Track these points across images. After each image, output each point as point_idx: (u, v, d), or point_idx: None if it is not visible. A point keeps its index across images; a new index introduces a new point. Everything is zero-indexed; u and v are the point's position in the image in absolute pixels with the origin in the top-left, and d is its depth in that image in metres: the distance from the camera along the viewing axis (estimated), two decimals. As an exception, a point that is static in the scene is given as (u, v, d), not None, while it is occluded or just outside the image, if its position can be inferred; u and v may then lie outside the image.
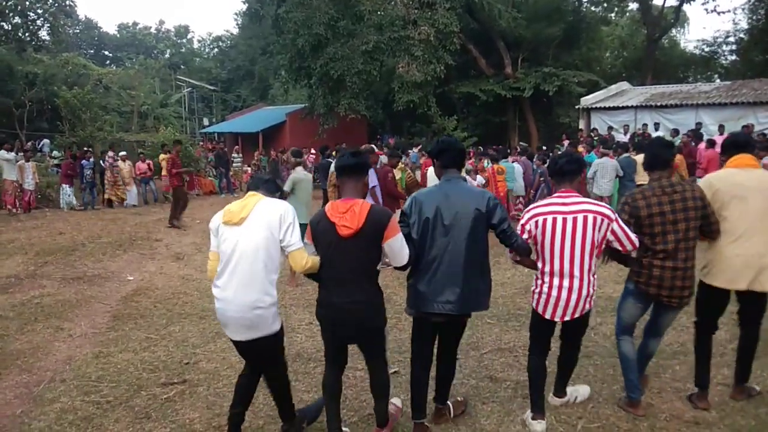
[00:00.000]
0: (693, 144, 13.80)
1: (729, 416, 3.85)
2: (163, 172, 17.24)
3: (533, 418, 3.73)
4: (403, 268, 3.40)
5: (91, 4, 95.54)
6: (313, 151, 21.20)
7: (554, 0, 25.74)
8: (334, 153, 13.03)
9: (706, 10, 28.75)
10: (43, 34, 33.19)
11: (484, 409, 4.04)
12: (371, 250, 3.23)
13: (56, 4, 33.13)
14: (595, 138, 16.57)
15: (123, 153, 17.26)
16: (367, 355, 3.50)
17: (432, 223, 3.37)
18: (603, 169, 11.17)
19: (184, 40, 64.54)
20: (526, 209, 3.68)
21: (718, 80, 27.74)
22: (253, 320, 3.20)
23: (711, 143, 12.88)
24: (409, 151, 16.36)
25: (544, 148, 18.41)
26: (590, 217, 3.44)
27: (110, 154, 16.78)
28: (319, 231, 3.30)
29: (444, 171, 3.55)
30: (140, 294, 7.22)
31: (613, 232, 3.50)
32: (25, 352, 5.27)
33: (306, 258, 3.25)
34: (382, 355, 3.49)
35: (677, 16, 30.37)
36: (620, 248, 3.60)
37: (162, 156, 17.26)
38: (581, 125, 20.46)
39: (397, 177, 9.10)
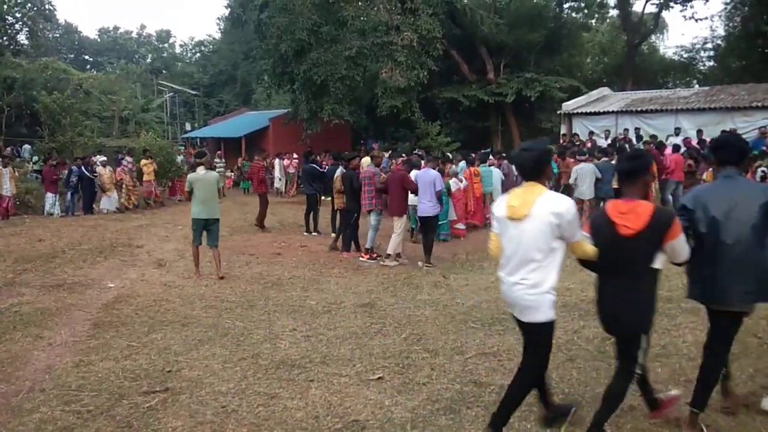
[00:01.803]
0: (654, 149, 14.25)
1: (709, 417, 3.90)
2: (145, 178, 17.16)
3: None
4: (679, 264, 3.53)
5: (71, 8, 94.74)
6: (295, 156, 21.17)
7: (535, 6, 25.99)
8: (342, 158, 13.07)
9: (684, 17, 29.11)
10: (22, 38, 32.79)
11: (469, 413, 4.05)
12: (650, 250, 3.32)
13: (35, 8, 32.74)
14: (557, 148, 16.85)
15: (103, 158, 17.10)
16: (620, 356, 3.54)
17: (720, 218, 3.50)
18: (582, 175, 11.45)
19: (166, 45, 64.15)
20: None
21: (696, 86, 28.13)
22: (531, 303, 3.35)
23: (676, 148, 13.87)
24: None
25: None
26: None
27: (128, 159, 16.73)
28: (598, 228, 3.45)
29: (722, 168, 3.70)
30: (121, 301, 7.14)
31: None
32: (3, 361, 5.17)
33: (588, 246, 3.41)
34: (632, 361, 3.42)
35: (656, 23, 30.81)
36: None
37: (143, 161, 17.13)
38: (563, 130, 20.62)
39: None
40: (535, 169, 3.42)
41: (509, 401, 3.53)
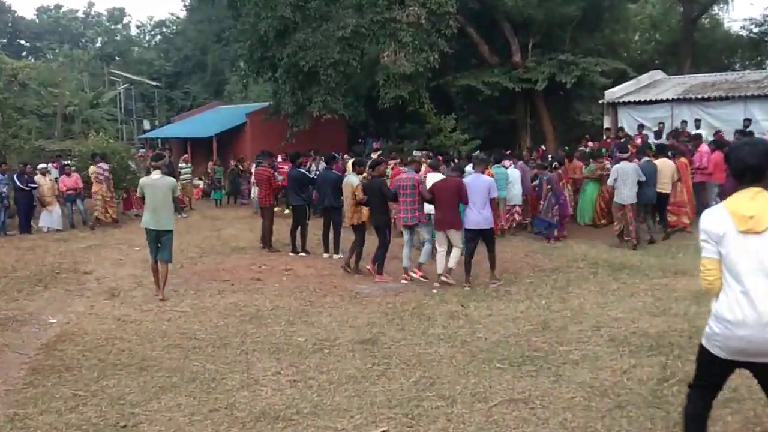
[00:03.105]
0: (690, 146, 14.40)
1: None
2: (94, 188, 17.18)
3: None
4: None
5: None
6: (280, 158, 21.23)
7: (570, -27, 26.16)
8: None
9: (754, -17, 29.22)
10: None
11: (494, 475, 4.03)
12: None
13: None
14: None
15: (42, 166, 17.10)
16: None
17: None
18: (624, 175, 11.50)
19: (119, 26, 64.76)
20: None
21: (770, 67, 28.22)
22: None
23: (717, 144, 13.46)
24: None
25: (543, 148, 19.79)
26: None
27: (103, 165, 16.64)
28: None
29: None
30: (65, 340, 7.14)
31: None
32: None
33: None
34: None
35: (719, -9, 30.96)
36: None
37: (92, 168, 17.14)
38: (606, 123, 20.66)
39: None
40: (762, 168, 3.34)
41: None
